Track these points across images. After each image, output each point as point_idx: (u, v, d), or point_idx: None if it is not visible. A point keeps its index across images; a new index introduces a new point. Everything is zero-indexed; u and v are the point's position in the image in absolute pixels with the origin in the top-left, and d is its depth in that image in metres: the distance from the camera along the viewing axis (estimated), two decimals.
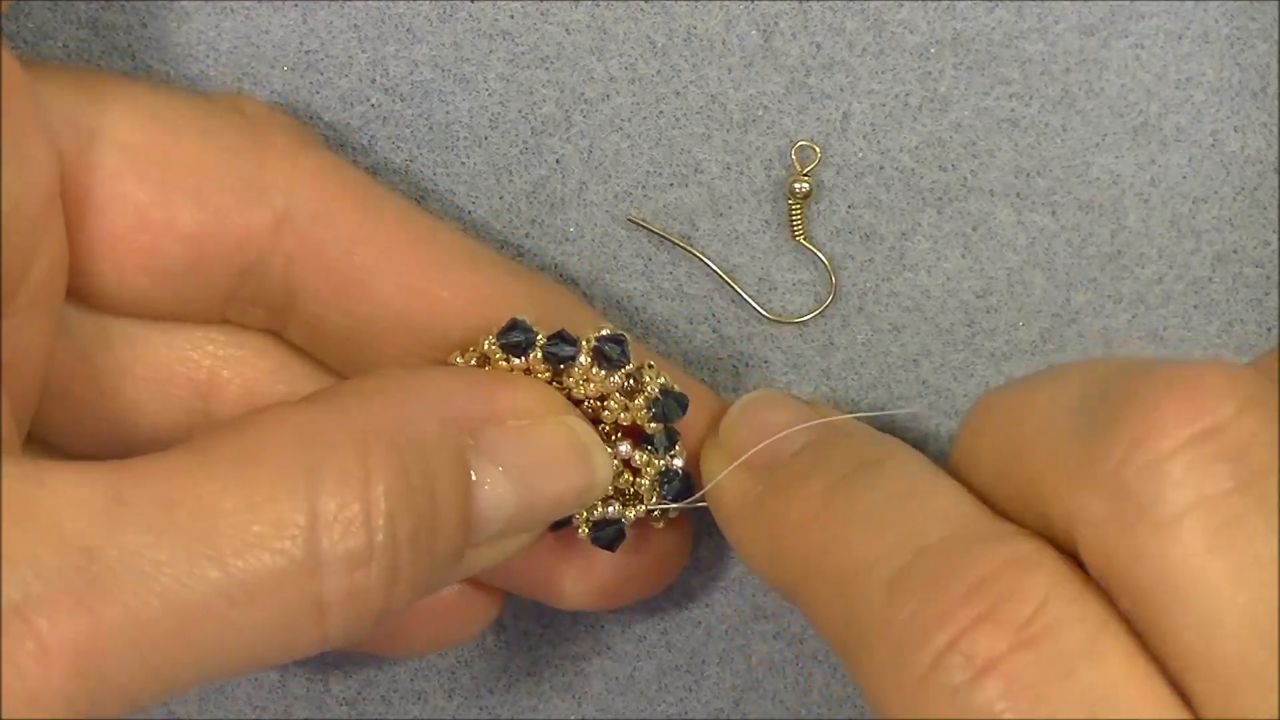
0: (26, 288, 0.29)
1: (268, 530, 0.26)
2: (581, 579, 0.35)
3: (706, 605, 0.39)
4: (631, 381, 0.32)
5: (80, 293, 0.31)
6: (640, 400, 0.32)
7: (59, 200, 0.30)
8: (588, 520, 0.33)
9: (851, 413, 0.37)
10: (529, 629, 0.39)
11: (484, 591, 0.36)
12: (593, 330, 0.32)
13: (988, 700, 0.24)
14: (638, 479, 0.33)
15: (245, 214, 0.31)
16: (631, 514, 0.33)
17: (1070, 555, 0.26)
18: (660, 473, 0.33)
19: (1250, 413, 0.24)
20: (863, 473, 0.30)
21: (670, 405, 0.33)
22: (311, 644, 0.27)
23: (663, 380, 0.33)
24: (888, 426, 0.37)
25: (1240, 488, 0.24)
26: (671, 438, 0.33)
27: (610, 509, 0.33)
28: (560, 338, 0.32)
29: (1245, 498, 0.24)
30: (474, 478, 0.30)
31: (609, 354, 0.32)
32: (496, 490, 0.30)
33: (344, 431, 0.28)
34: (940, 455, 0.37)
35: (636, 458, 0.33)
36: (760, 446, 0.32)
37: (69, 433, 0.33)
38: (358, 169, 0.34)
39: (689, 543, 0.37)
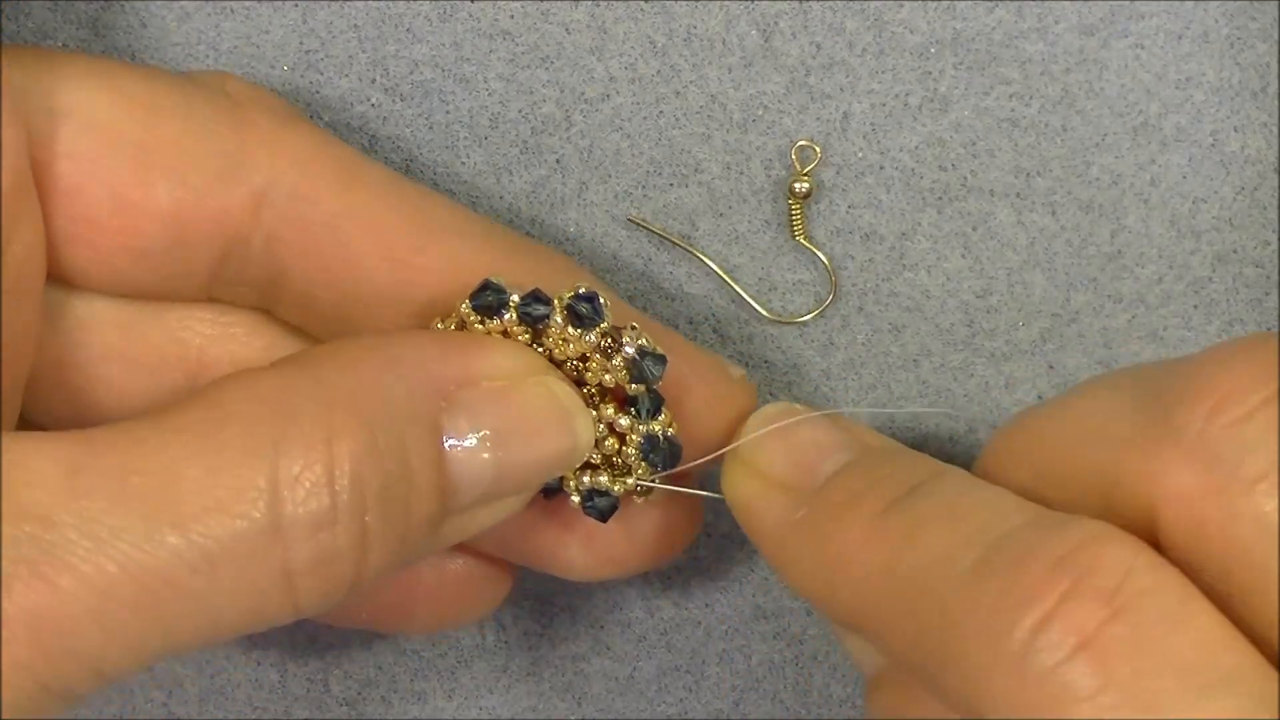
0: (4, 271, 0.29)
1: (228, 495, 0.26)
2: (588, 548, 0.34)
3: (706, 605, 0.39)
4: (610, 341, 0.32)
5: (62, 275, 0.31)
6: (618, 360, 0.32)
7: (31, 182, 0.30)
8: (578, 490, 0.33)
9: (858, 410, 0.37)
10: (529, 629, 0.39)
11: (494, 567, 0.36)
12: (570, 289, 0.32)
13: (1084, 675, 0.24)
14: (624, 446, 0.33)
15: (224, 193, 0.31)
16: (619, 488, 0.32)
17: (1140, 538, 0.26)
18: (644, 439, 0.32)
19: None
20: (917, 491, 0.29)
21: (648, 365, 0.32)
22: (283, 611, 0.27)
23: (642, 341, 0.32)
24: (884, 425, 0.37)
25: None
26: (656, 401, 0.32)
27: (600, 479, 0.32)
28: (534, 297, 0.31)
29: None
30: (449, 441, 0.29)
31: (581, 312, 0.31)
32: (473, 453, 0.29)
33: (309, 396, 0.27)
34: (940, 455, 0.37)
35: (621, 422, 0.32)
36: (753, 436, 0.32)
37: (58, 417, 0.33)
38: (343, 144, 0.33)
39: (699, 510, 0.36)
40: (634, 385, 0.32)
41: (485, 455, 0.29)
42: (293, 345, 0.34)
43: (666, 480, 0.33)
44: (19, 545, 0.24)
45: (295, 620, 0.27)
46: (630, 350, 0.32)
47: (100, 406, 0.33)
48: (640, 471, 0.33)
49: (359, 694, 0.40)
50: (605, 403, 0.32)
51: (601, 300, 0.31)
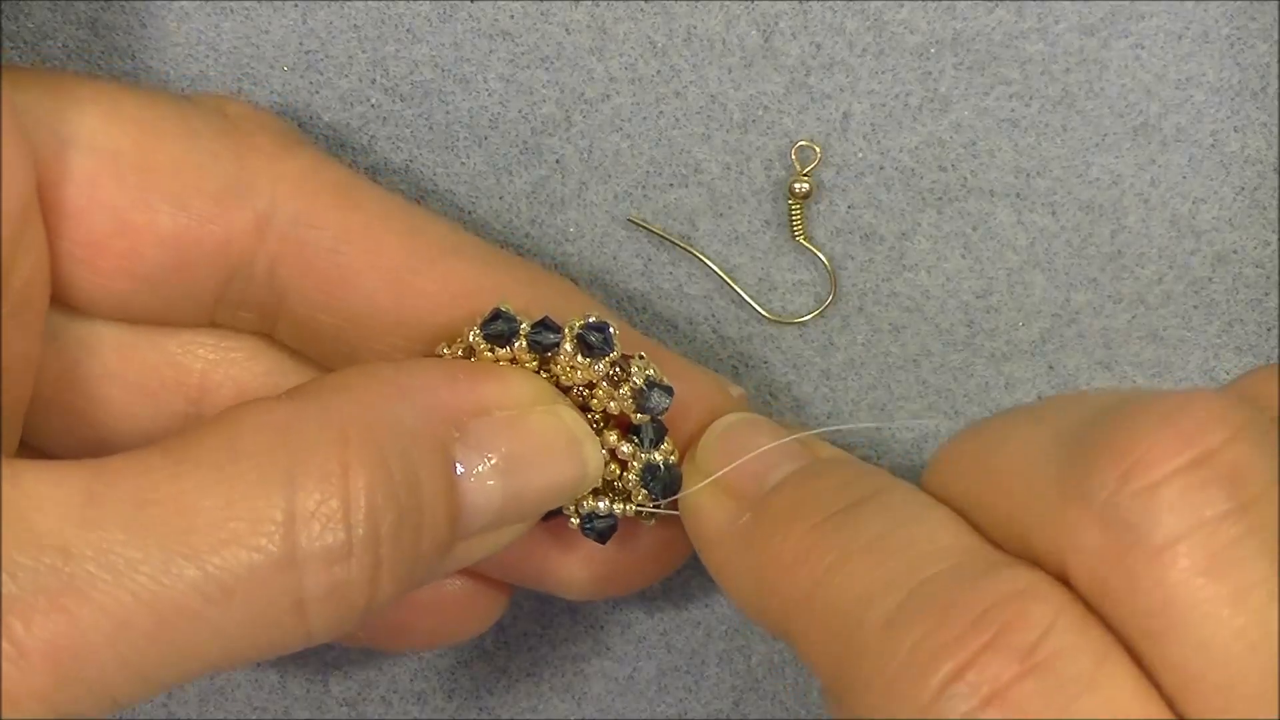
0: (9, 295, 0.29)
1: (245, 527, 0.26)
2: (584, 567, 0.35)
3: (706, 605, 0.39)
4: (618, 370, 0.32)
5: (64, 298, 0.31)
6: (625, 390, 0.32)
7: (37, 206, 0.30)
8: (577, 512, 0.33)
9: (842, 424, 0.37)
10: (529, 630, 0.39)
11: (490, 585, 0.36)
12: (580, 318, 0.32)
13: None
14: (625, 473, 0.33)
15: (227, 216, 0.31)
16: (620, 509, 0.33)
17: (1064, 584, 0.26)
18: (644, 467, 0.33)
19: (1243, 438, 0.24)
20: (855, 509, 0.29)
21: (654, 397, 0.32)
22: (294, 640, 0.27)
23: (650, 372, 0.32)
24: (876, 434, 0.37)
25: (1235, 511, 0.24)
26: (659, 431, 0.33)
27: (600, 504, 0.33)
28: (544, 325, 0.31)
29: (1240, 522, 0.24)
30: (460, 470, 0.29)
31: (592, 341, 0.31)
32: (484, 482, 0.29)
33: (323, 427, 0.27)
34: None
35: (623, 449, 0.33)
36: (737, 464, 0.32)
37: (59, 440, 0.33)
38: (343, 166, 0.34)
39: None
40: (639, 414, 0.32)
41: (496, 483, 0.30)
42: (294, 369, 0.34)
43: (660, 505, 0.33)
44: (38, 576, 0.25)
45: (306, 647, 0.27)
46: (638, 381, 0.32)
47: (102, 430, 0.33)
48: (640, 498, 0.33)
49: (359, 694, 0.40)
50: (609, 429, 0.33)
51: (612, 330, 0.32)
